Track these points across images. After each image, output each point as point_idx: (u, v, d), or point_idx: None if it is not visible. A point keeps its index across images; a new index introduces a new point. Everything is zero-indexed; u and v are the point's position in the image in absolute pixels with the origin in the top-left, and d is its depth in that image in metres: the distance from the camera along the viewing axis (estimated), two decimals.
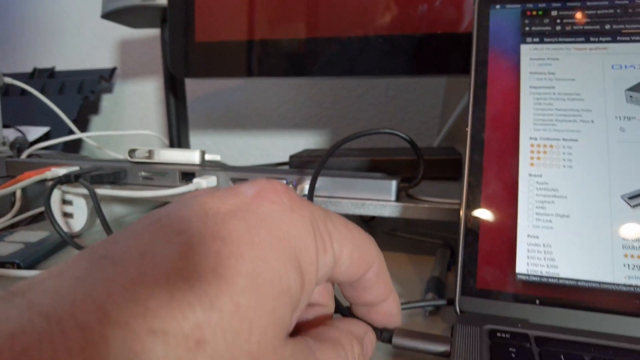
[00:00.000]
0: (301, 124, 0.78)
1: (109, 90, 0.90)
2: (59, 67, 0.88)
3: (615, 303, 0.25)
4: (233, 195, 0.16)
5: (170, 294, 0.11)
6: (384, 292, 0.21)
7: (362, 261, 0.19)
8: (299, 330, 0.19)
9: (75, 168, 0.43)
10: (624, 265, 0.25)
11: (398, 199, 0.38)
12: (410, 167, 0.47)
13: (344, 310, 0.23)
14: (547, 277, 0.26)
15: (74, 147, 0.83)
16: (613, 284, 0.25)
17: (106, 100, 0.90)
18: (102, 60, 0.89)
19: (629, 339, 0.23)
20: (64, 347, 0.10)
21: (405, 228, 0.50)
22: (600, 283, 0.25)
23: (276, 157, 0.72)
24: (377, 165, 0.48)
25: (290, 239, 0.15)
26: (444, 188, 0.42)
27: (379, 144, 0.73)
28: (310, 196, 0.33)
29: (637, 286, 0.25)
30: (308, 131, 0.78)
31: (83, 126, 0.88)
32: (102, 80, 0.83)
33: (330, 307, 0.22)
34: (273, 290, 0.14)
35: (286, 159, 0.53)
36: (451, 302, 0.27)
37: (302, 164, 0.50)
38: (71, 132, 0.73)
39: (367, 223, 0.52)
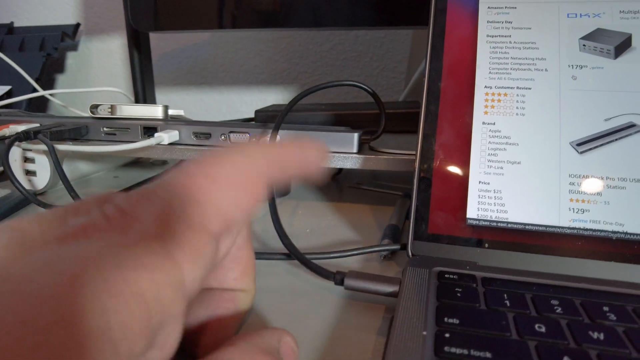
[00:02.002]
0: (269, 80, 0.77)
1: (74, 47, 0.87)
2: (18, 23, 0.84)
3: (560, 245, 0.26)
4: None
5: None
6: None
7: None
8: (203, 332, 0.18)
9: (35, 125, 0.42)
10: (569, 209, 0.26)
11: (360, 151, 0.38)
12: (376, 121, 0.48)
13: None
14: (497, 222, 0.27)
15: (40, 106, 0.81)
16: (558, 227, 0.26)
17: (71, 58, 0.87)
18: (64, 16, 0.85)
19: (570, 278, 0.24)
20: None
21: (371, 182, 0.51)
22: (546, 226, 0.26)
23: (245, 113, 0.71)
24: (343, 119, 0.48)
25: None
26: (406, 140, 0.43)
27: (348, 99, 0.73)
28: None
29: (580, 229, 0.26)
30: (277, 86, 0.77)
31: (48, 85, 0.86)
32: (66, 36, 0.80)
33: (249, 293, 0.21)
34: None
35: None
36: (405, 247, 0.28)
37: (268, 119, 0.50)
38: (35, 90, 0.71)
39: (334, 177, 0.53)
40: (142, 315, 0.12)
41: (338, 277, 0.23)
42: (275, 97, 0.78)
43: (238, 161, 0.17)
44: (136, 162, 0.60)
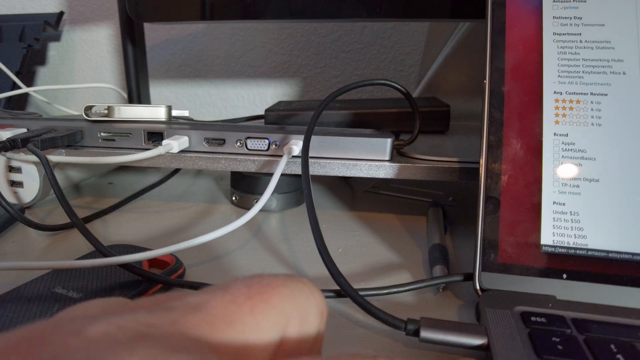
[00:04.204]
0: (269, 73, 0.72)
1: (57, 38, 0.80)
2: None
3: None
4: None
5: None
6: None
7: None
8: None
9: (22, 130, 0.37)
10: None
11: (391, 158, 0.34)
12: (394, 120, 0.44)
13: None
14: (575, 249, 0.23)
15: (20, 102, 0.75)
16: None
17: (53, 49, 0.81)
18: (45, 3, 0.79)
19: None
20: None
21: (386, 185, 0.47)
22: (633, 254, 0.23)
23: (242, 108, 0.66)
24: (361, 119, 0.44)
25: None
26: (434, 143, 0.39)
27: (352, 96, 0.69)
28: (305, 159, 0.29)
29: None
30: (277, 80, 0.72)
31: (28, 79, 0.80)
32: (48, 26, 0.74)
33: None
34: None
35: (253, 110, 0.49)
36: (468, 278, 0.24)
37: (280, 119, 0.45)
38: (15, 86, 0.65)
39: (346, 181, 0.49)
40: None
41: (411, 328, 0.19)
42: (274, 91, 0.73)
43: None
44: (131, 166, 0.55)
